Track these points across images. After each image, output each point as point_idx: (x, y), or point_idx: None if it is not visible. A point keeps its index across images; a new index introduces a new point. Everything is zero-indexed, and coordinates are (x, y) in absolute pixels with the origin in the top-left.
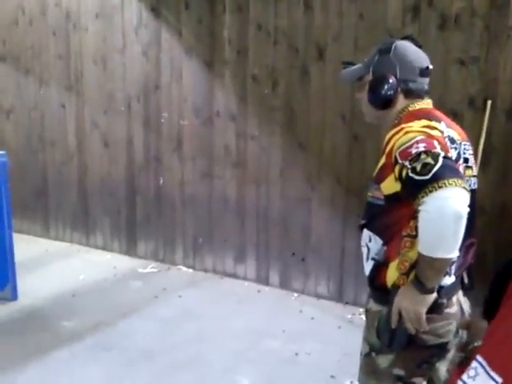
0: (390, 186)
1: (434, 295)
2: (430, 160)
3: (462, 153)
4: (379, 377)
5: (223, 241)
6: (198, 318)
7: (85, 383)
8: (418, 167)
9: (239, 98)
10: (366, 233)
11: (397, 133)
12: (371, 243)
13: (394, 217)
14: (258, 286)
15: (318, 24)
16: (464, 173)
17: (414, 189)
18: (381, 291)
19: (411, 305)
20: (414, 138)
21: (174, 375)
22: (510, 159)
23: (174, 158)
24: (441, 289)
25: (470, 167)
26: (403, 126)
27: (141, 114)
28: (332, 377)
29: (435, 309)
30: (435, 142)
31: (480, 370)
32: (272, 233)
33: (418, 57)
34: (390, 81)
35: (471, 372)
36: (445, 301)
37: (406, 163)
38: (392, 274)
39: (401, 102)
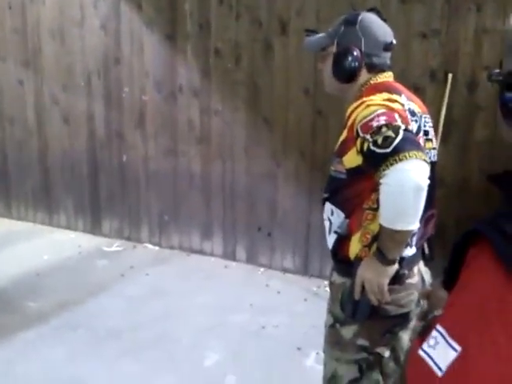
0: (352, 159)
1: (396, 266)
2: (390, 133)
3: (422, 125)
4: (343, 347)
5: (189, 217)
6: (165, 296)
7: (52, 363)
8: (379, 140)
9: (202, 72)
10: (328, 206)
11: (358, 106)
12: (333, 216)
13: (356, 190)
14: (225, 262)
15: None
16: (424, 145)
17: (375, 162)
18: (344, 263)
19: (374, 276)
20: (375, 111)
21: (142, 352)
22: (470, 132)
23: (137, 134)
24: (402, 260)
25: (430, 140)
26: (364, 99)
27: (101, 89)
28: (298, 349)
29: (397, 279)
30: (396, 115)
31: (440, 338)
32: (238, 209)
33: (384, 31)
34: (355, 53)
35: (431, 341)
36: (406, 271)
37: (368, 136)
38: (354, 247)
39: (363, 75)
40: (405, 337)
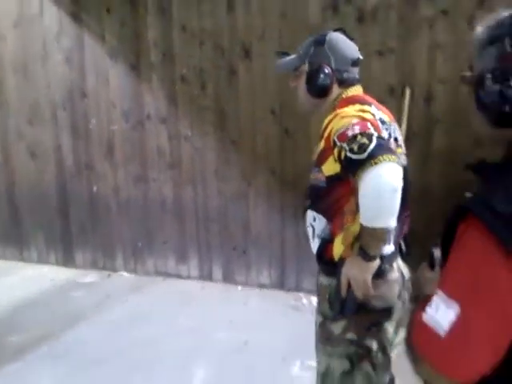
0: (331, 167)
1: (378, 262)
2: (365, 140)
3: (392, 133)
4: (334, 343)
5: (163, 243)
6: (145, 321)
7: None
8: (355, 148)
9: (169, 100)
10: (309, 213)
11: (333, 118)
12: (315, 222)
13: (336, 196)
14: (202, 283)
15: (241, 24)
16: (395, 151)
17: (352, 167)
18: (329, 265)
19: (358, 272)
20: (350, 121)
21: (128, 377)
22: (429, 142)
23: (106, 164)
24: (383, 257)
25: (400, 145)
26: (338, 111)
27: (68, 122)
28: (283, 359)
29: (379, 275)
30: (369, 124)
31: (440, 302)
32: (212, 230)
33: (350, 48)
34: (326, 71)
35: (433, 305)
36: (387, 266)
37: (344, 145)
38: (338, 248)
39: (335, 90)
40: (390, 329)
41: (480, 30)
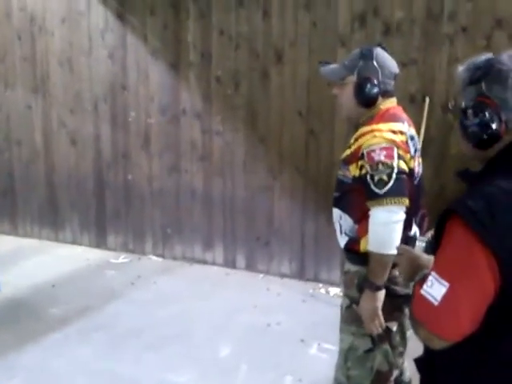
0: (356, 171)
1: (383, 292)
2: (385, 177)
3: (417, 146)
4: (359, 323)
5: (191, 230)
6: (175, 300)
7: (81, 361)
8: (375, 179)
9: (204, 97)
10: (336, 211)
11: (367, 133)
12: (342, 220)
13: (360, 196)
14: (226, 270)
15: (275, 30)
16: (416, 160)
17: (367, 191)
18: (355, 255)
19: (367, 304)
20: (379, 144)
21: (162, 348)
22: (445, 147)
23: (142, 155)
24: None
25: (419, 156)
26: (373, 127)
27: (108, 113)
28: (302, 341)
29: None
30: (395, 152)
31: (434, 280)
32: (237, 220)
33: (393, 64)
34: (375, 83)
35: (429, 283)
36: None
37: (367, 166)
38: (363, 246)
39: (378, 101)
40: (408, 313)
41: (462, 70)
